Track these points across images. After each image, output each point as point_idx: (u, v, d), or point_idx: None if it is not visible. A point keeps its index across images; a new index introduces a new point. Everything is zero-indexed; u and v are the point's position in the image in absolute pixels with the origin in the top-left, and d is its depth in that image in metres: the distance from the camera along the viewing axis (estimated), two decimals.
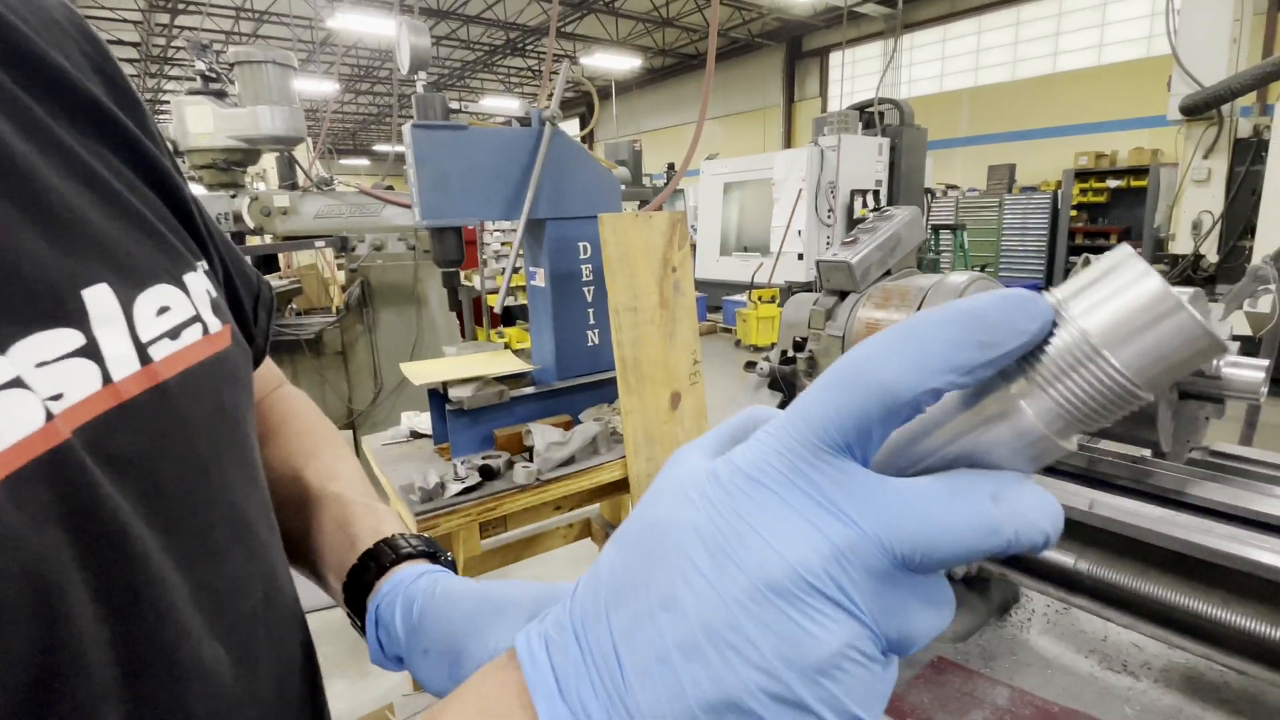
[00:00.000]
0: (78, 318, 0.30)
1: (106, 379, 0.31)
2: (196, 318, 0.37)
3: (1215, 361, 0.81)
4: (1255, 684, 0.86)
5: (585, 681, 0.22)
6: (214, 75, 3.65)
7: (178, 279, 0.37)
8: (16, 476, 0.26)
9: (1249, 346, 0.88)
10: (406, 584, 0.48)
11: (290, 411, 0.64)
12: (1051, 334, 0.21)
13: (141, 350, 0.33)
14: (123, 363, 0.32)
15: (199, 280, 0.39)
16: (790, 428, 0.22)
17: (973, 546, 0.20)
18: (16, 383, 0.27)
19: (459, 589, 0.46)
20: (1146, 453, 0.91)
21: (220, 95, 3.64)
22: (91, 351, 0.30)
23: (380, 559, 0.50)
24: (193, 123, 3.47)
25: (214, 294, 0.40)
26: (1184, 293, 0.84)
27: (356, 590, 0.50)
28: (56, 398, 0.28)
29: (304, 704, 0.43)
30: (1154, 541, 0.79)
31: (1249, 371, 0.79)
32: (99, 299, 0.31)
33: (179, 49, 14.54)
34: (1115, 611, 0.84)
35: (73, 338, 0.30)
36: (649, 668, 0.21)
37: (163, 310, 0.35)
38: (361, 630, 0.49)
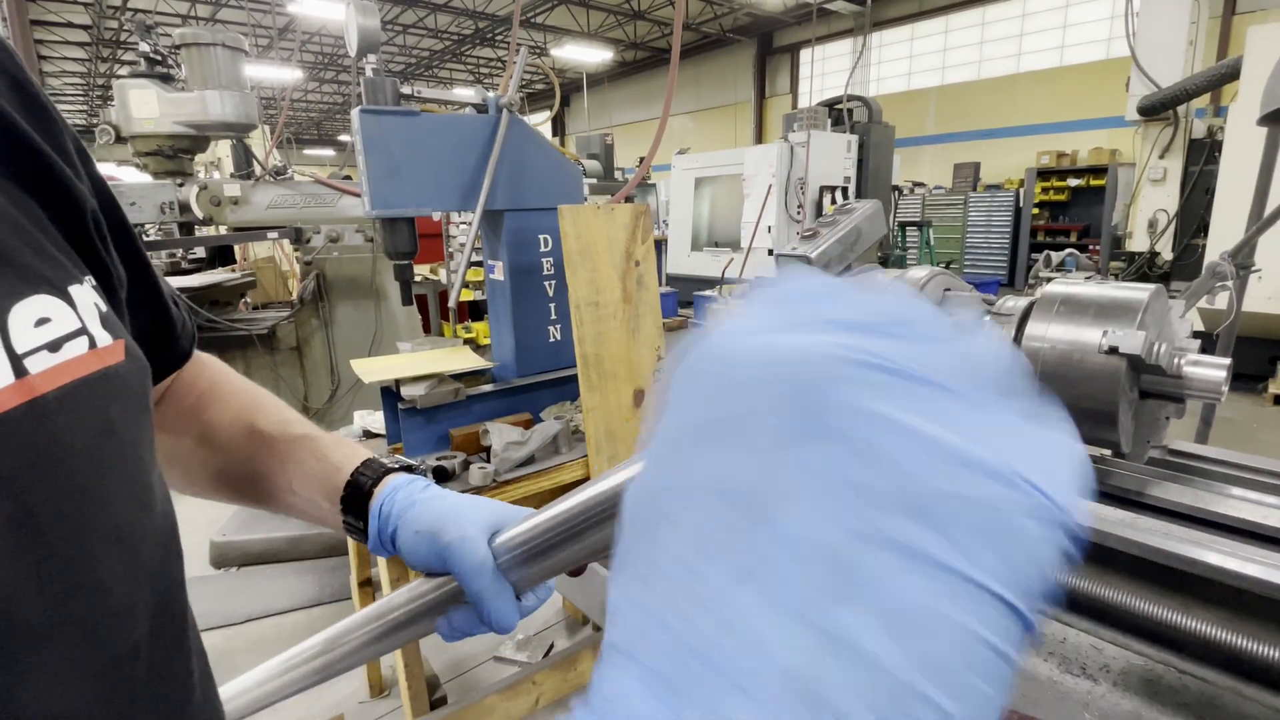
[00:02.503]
0: None
1: None
2: (82, 331, 0.35)
3: (1176, 360, 0.79)
4: (1213, 689, 0.85)
5: None
6: (159, 58, 3.48)
7: (61, 290, 0.35)
8: None
9: (1205, 343, 0.87)
10: (403, 485, 0.58)
11: (217, 376, 0.67)
12: None
13: (16, 362, 0.31)
14: None
15: (86, 293, 0.37)
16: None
17: None
18: None
19: (440, 490, 0.59)
20: (1107, 453, 0.90)
21: (166, 79, 3.47)
22: None
23: (374, 471, 0.60)
24: (136, 107, 3.30)
25: (104, 308, 0.38)
26: (1144, 289, 0.82)
27: (357, 499, 0.58)
28: None
29: None
30: (1114, 545, 0.77)
31: (1210, 370, 0.77)
32: None
33: (132, 32, 14.00)
34: (1075, 616, 0.82)
35: None
36: None
37: (42, 321, 0.33)
38: (359, 531, 0.59)
